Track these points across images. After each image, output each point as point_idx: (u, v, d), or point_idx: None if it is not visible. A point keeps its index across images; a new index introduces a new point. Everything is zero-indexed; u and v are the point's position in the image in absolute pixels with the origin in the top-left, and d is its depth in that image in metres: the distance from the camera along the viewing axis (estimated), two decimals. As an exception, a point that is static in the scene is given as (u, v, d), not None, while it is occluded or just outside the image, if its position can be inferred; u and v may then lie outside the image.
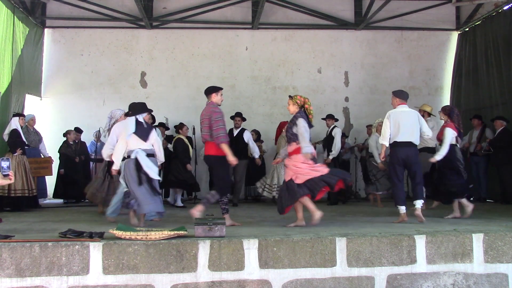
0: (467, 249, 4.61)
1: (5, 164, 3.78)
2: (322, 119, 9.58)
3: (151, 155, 5.95)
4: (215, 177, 6.14)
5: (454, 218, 6.55)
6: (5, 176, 3.76)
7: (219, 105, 5.99)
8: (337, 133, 9.15)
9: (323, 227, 5.42)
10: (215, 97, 5.97)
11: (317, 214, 5.62)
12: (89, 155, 10.31)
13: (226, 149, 5.77)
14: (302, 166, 5.66)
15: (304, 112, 5.83)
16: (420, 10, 11.34)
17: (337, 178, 5.72)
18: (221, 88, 6.06)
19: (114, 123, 6.83)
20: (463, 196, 6.62)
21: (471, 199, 7.01)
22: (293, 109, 5.88)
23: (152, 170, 5.83)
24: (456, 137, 6.72)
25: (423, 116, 7.78)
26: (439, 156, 6.54)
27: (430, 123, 7.64)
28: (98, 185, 7.25)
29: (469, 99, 10.94)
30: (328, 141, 9.22)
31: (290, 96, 5.97)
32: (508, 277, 4.63)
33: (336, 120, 9.53)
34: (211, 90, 6.00)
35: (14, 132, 8.11)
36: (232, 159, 5.77)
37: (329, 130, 9.32)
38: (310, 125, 5.83)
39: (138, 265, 4.18)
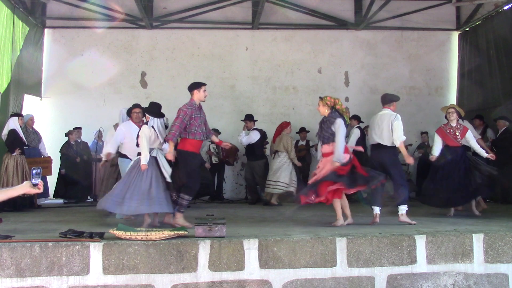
0: (467, 249, 4.62)
1: (35, 172, 3.68)
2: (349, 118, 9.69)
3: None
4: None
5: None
6: (35, 185, 3.65)
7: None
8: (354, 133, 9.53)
9: (323, 227, 5.43)
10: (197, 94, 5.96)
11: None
12: (91, 154, 10.31)
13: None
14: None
15: (338, 112, 5.83)
16: (420, 10, 11.31)
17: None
18: (203, 84, 6.00)
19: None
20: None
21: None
22: (323, 110, 5.88)
23: (166, 170, 5.88)
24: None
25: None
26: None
27: None
28: None
29: (471, 100, 10.91)
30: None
31: (320, 98, 5.96)
32: (509, 277, 4.63)
33: (362, 122, 9.63)
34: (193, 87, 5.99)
35: (13, 132, 8.10)
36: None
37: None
38: (346, 125, 5.88)
39: (138, 265, 4.18)
